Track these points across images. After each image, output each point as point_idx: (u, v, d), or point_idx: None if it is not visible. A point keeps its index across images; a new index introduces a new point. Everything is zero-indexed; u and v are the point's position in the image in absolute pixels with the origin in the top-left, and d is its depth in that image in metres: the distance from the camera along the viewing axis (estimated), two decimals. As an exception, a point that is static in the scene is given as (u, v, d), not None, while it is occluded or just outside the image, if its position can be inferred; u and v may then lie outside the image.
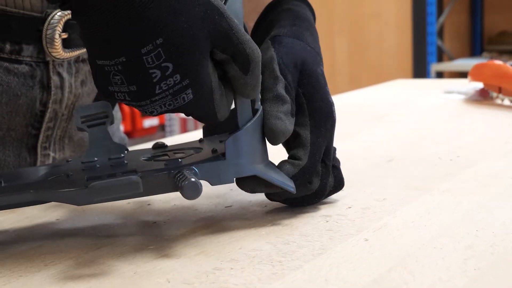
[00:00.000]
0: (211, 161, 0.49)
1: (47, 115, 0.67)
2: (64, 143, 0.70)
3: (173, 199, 0.61)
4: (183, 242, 0.49)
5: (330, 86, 0.57)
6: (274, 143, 0.52)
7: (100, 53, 0.43)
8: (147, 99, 0.44)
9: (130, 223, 0.54)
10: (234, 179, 0.51)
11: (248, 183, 0.51)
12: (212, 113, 0.47)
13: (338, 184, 0.57)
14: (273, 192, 0.53)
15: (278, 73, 0.54)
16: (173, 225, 0.53)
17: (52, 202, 0.61)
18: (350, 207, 0.55)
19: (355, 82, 3.79)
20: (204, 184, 0.65)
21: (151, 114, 0.46)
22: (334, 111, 0.56)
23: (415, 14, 3.57)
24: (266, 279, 0.41)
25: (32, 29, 0.62)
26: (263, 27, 0.61)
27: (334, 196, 0.59)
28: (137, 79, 0.43)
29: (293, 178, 0.53)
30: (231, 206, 0.58)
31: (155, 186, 0.48)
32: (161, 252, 0.47)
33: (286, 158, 0.54)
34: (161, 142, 0.57)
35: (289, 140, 0.54)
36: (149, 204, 0.59)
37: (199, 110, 0.47)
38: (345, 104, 1.26)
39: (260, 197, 0.59)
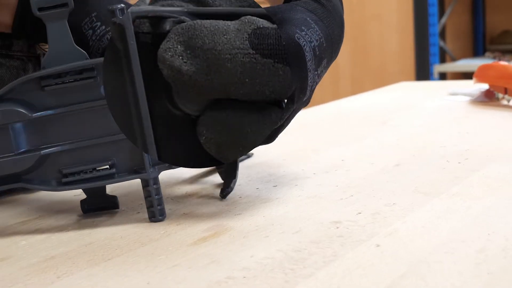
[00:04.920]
0: None
1: None
2: None
3: (182, 207, 0.61)
4: (194, 251, 0.49)
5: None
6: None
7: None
8: None
9: (140, 233, 0.54)
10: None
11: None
12: None
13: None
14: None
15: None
16: (183, 234, 0.53)
17: (61, 214, 0.61)
18: (360, 213, 0.55)
19: (358, 85, 3.79)
20: (212, 192, 0.65)
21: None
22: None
23: (417, 15, 3.57)
24: (279, 287, 0.42)
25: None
26: None
27: (343, 202, 0.59)
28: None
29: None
30: (240, 214, 0.58)
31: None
32: (173, 262, 0.47)
33: None
34: None
35: None
36: (158, 213, 0.59)
37: None
38: (349, 109, 1.26)
39: (269, 204, 0.59)
